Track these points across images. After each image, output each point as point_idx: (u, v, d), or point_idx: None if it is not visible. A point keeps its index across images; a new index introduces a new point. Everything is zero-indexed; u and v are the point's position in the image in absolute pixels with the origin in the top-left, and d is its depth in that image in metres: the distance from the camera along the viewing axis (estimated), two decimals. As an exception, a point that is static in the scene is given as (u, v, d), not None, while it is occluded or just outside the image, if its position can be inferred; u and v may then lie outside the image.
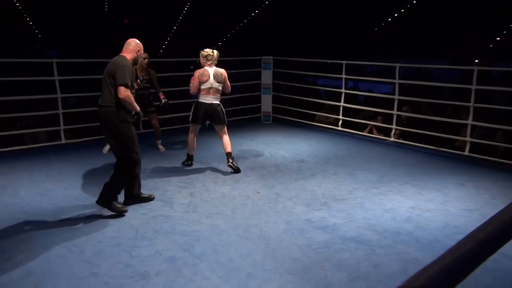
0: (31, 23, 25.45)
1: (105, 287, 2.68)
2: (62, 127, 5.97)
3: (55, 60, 5.84)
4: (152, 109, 5.78)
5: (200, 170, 5.11)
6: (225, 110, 5.07)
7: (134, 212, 3.86)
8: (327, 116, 7.60)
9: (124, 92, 3.57)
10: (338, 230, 3.55)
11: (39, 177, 4.78)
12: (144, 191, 4.28)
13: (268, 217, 3.80)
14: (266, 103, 8.06)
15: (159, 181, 4.70)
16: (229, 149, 5.04)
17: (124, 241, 3.29)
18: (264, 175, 4.99)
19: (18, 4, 24.57)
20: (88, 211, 3.85)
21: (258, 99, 8.13)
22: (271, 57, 7.94)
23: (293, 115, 7.90)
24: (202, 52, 4.95)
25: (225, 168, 5.17)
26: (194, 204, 4.07)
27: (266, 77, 7.96)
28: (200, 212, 3.89)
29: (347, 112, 7.18)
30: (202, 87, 4.86)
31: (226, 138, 5.06)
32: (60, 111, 5.92)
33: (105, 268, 2.90)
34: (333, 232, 3.51)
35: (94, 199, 3.89)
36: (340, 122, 7.20)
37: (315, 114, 7.75)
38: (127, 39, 3.87)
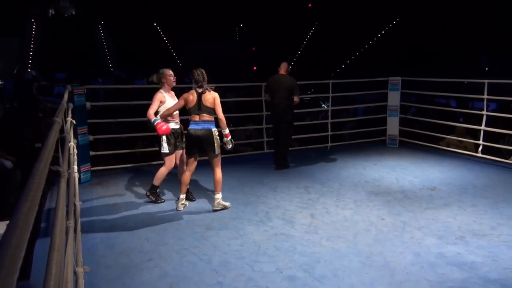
0: (172, 51, 28.86)
1: (229, 297, 2.81)
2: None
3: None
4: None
5: (321, 192, 5.07)
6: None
7: (257, 228, 4.00)
8: (459, 140, 6.87)
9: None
10: (477, 269, 3.13)
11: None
12: (266, 209, 4.49)
13: (393, 246, 3.56)
14: (393, 126, 7.66)
15: (281, 199, 4.80)
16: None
17: (247, 255, 3.43)
18: (389, 201, 4.71)
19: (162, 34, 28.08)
20: (215, 224, 4.12)
21: (383, 122, 7.77)
22: (399, 78, 7.57)
23: (423, 139, 7.33)
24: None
25: (347, 191, 5.05)
26: (314, 226, 4.04)
27: (393, 98, 7.59)
28: (320, 234, 3.84)
29: (488, 137, 6.38)
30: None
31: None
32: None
33: (230, 279, 3.04)
34: (471, 270, 3.11)
35: (222, 213, 4.20)
36: (480, 148, 6.42)
37: (444, 138, 7.07)
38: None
